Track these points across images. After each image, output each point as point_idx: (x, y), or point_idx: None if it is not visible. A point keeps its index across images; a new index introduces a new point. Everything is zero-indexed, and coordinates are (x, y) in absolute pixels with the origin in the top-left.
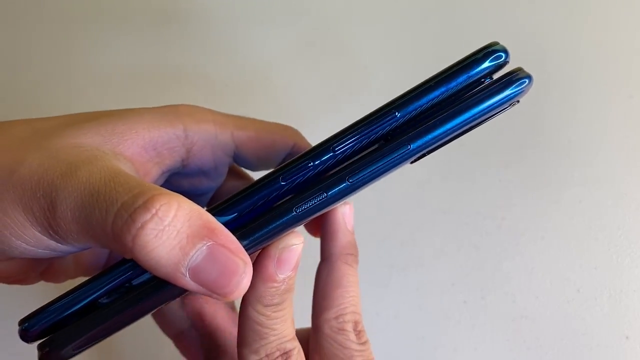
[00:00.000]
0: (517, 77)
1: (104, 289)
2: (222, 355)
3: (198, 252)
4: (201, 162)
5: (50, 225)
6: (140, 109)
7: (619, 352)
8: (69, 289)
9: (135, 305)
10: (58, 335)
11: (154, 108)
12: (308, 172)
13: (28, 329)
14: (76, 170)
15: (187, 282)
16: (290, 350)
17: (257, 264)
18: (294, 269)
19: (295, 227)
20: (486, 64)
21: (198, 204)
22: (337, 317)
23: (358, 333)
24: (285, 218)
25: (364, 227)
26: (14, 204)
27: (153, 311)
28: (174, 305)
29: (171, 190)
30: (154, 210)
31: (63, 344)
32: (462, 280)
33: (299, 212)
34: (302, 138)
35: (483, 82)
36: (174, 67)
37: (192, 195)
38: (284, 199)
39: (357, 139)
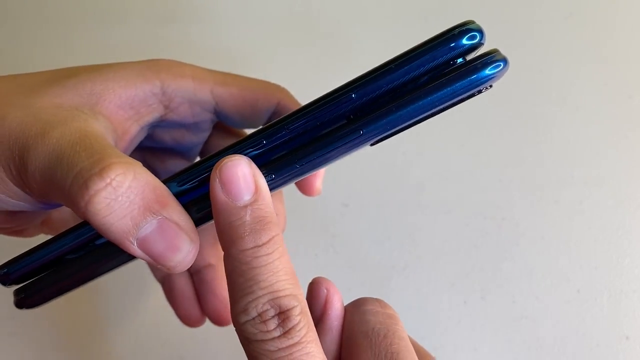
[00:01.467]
0: (492, 59)
1: (70, 245)
2: (213, 298)
3: (148, 224)
4: (180, 117)
5: (24, 183)
6: (119, 64)
7: (619, 352)
8: (43, 241)
9: (95, 264)
10: (31, 283)
11: (132, 63)
12: (260, 150)
13: (7, 275)
14: (50, 131)
15: (135, 250)
16: (289, 309)
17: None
18: (254, 193)
19: None
20: (459, 43)
21: (186, 159)
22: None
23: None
24: None
25: (365, 227)
26: None
27: (113, 270)
28: None
29: (154, 145)
30: (108, 180)
31: (35, 292)
32: (462, 280)
33: None
34: (289, 96)
35: (454, 63)
36: None
37: (179, 151)
38: None
39: (311, 119)
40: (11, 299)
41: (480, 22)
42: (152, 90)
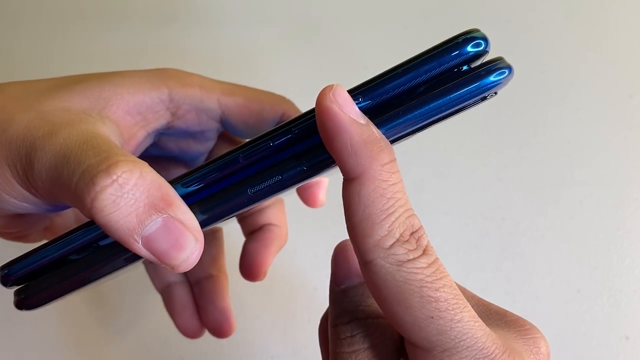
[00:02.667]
0: (497, 66)
1: (74, 246)
2: (212, 309)
3: (153, 223)
4: (186, 125)
5: (30, 183)
6: (128, 72)
7: (619, 352)
8: (45, 242)
9: (98, 265)
10: (32, 284)
11: (141, 71)
12: (267, 152)
13: (8, 275)
14: (57, 132)
15: (139, 248)
16: (419, 228)
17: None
18: (363, 116)
19: (250, 207)
20: (464, 51)
21: (190, 168)
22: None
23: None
24: (240, 198)
25: None
26: (2, 161)
27: (115, 272)
28: None
29: (160, 154)
30: (114, 176)
31: (36, 293)
32: (462, 280)
33: (253, 192)
34: (293, 106)
35: (460, 70)
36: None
37: (183, 159)
38: (240, 179)
39: (314, 125)
40: (12, 299)
41: (480, 22)
42: (159, 97)
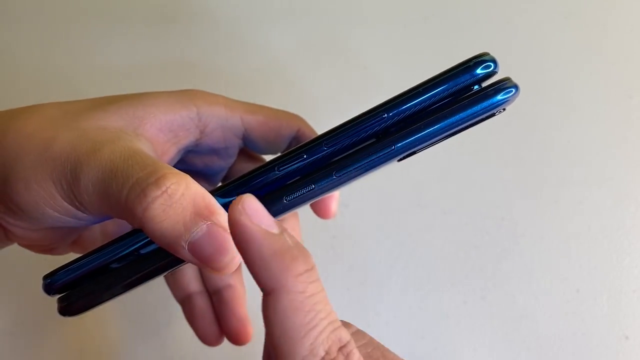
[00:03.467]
0: (504, 86)
1: (115, 255)
2: (231, 317)
3: (198, 229)
4: (213, 142)
5: (75, 197)
6: (157, 93)
7: (619, 352)
8: (86, 252)
9: (140, 272)
10: (75, 291)
11: (170, 92)
12: (301, 163)
13: (51, 284)
14: (100, 148)
15: (186, 254)
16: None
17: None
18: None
19: (285, 214)
20: (475, 72)
21: (211, 183)
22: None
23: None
24: (276, 206)
25: (365, 227)
26: (46, 177)
27: (155, 278)
28: (187, 268)
29: (186, 168)
30: (164, 188)
31: (78, 300)
32: (462, 280)
33: (288, 200)
34: (307, 124)
35: (472, 90)
36: (177, 67)
37: (206, 174)
38: (276, 188)
39: (347, 137)
40: (11, 300)
41: (480, 22)
42: (189, 115)
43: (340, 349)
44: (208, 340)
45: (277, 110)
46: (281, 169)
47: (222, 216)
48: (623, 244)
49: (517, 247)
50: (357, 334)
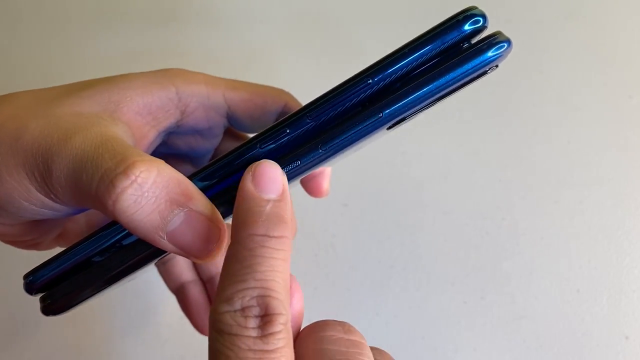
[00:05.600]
0: (495, 40)
1: (96, 248)
2: None
3: (176, 217)
4: (195, 122)
5: (50, 189)
6: (134, 74)
7: (619, 352)
8: (67, 247)
9: (123, 264)
10: (57, 289)
11: (146, 73)
12: (284, 139)
13: (32, 283)
14: (72, 136)
15: (165, 244)
16: (276, 314)
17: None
18: (280, 194)
19: None
20: (463, 28)
21: (197, 165)
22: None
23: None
24: None
25: (365, 227)
26: (19, 169)
27: (140, 270)
28: (178, 257)
29: (169, 152)
30: (133, 177)
31: (62, 297)
32: (462, 280)
33: None
34: (293, 98)
35: (461, 47)
36: (177, 66)
37: (191, 157)
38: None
39: (331, 107)
40: (11, 301)
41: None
42: (168, 96)
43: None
44: (205, 329)
45: (262, 86)
46: (263, 146)
47: (201, 201)
48: (623, 244)
49: (517, 247)
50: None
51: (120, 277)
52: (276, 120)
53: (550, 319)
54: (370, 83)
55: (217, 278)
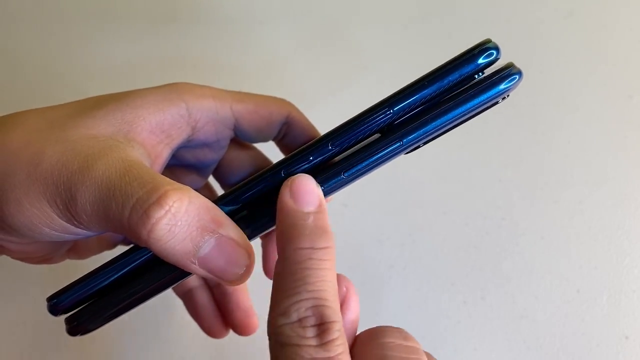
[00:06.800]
0: (508, 73)
1: (121, 271)
2: (235, 309)
3: (207, 244)
4: (205, 136)
5: (73, 217)
6: (144, 91)
7: (619, 352)
8: (92, 269)
9: (148, 286)
10: (82, 311)
11: (155, 89)
12: (307, 165)
13: (56, 305)
14: (93, 164)
15: (196, 269)
16: (331, 322)
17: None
18: (318, 206)
19: None
20: (479, 61)
21: (203, 175)
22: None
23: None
24: None
25: (365, 227)
26: (40, 197)
27: (165, 290)
28: None
29: (177, 163)
30: (167, 207)
31: (87, 318)
32: (462, 280)
33: None
34: (296, 109)
35: (475, 78)
36: (177, 66)
37: (197, 167)
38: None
39: (353, 135)
40: (10, 302)
41: (480, 22)
42: (179, 112)
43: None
44: (213, 333)
45: (266, 97)
46: (288, 172)
47: (230, 226)
48: (623, 244)
49: (517, 247)
50: None
51: (144, 299)
52: (280, 130)
53: (550, 319)
54: (390, 113)
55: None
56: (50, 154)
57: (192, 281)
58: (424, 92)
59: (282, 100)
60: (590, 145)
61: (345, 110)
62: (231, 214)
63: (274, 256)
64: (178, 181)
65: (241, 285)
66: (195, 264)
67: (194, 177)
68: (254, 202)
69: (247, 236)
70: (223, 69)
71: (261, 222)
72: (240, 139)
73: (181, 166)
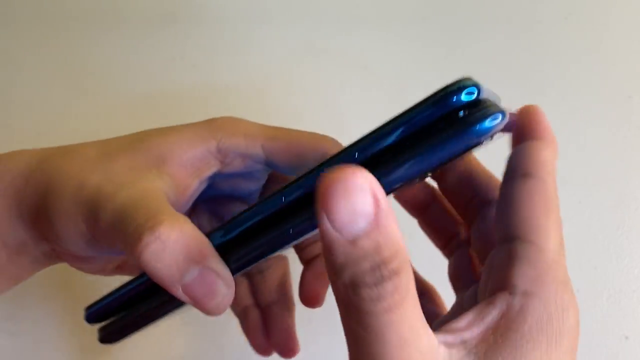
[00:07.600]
0: (488, 113)
1: (149, 284)
2: (277, 329)
3: (191, 273)
4: (234, 169)
5: (94, 234)
6: (181, 128)
7: (619, 352)
8: (122, 284)
9: (164, 304)
10: (114, 321)
11: (193, 125)
12: (302, 195)
13: (91, 314)
14: (119, 191)
15: (180, 294)
16: None
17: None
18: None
19: (276, 253)
20: (457, 101)
21: (247, 203)
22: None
23: None
24: (283, 236)
25: None
26: (77, 215)
27: (179, 309)
28: (239, 284)
29: (216, 193)
30: (157, 234)
31: (118, 329)
32: None
33: (294, 231)
34: (334, 145)
35: (455, 118)
36: (177, 66)
37: (238, 196)
38: (282, 219)
39: (312, 179)
40: (9, 302)
41: (480, 22)
42: (209, 149)
43: None
44: (260, 350)
45: (301, 133)
46: (287, 199)
47: (214, 260)
48: (623, 244)
49: None
50: None
51: (171, 310)
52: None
53: None
54: (355, 157)
55: (273, 305)
56: (92, 182)
57: (246, 300)
58: (391, 135)
59: (319, 137)
60: (590, 145)
61: (346, 110)
62: (225, 244)
63: (313, 288)
64: (226, 210)
65: (287, 308)
66: (179, 290)
67: (238, 205)
68: (254, 230)
69: (235, 268)
70: (222, 69)
71: (250, 257)
72: (278, 172)
73: (221, 196)
